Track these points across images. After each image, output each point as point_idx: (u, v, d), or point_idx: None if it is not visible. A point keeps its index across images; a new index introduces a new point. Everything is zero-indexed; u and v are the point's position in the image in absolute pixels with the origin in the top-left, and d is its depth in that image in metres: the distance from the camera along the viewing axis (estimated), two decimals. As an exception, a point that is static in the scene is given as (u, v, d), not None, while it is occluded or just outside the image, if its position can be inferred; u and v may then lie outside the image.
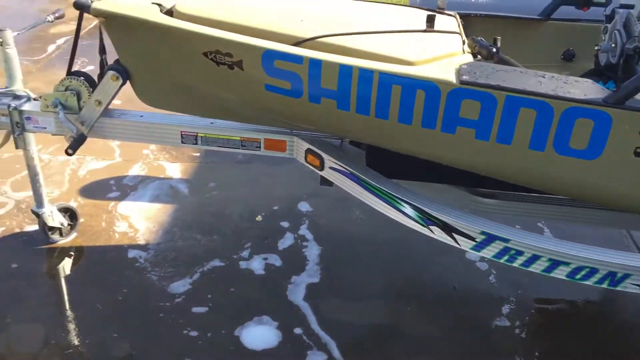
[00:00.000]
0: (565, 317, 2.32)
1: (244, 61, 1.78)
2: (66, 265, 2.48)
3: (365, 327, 2.23)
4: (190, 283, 2.41)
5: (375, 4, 2.08)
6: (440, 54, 1.70)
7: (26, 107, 2.20)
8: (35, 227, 2.68)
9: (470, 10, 2.34)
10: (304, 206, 2.94)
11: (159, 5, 1.95)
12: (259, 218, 2.84)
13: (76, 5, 1.92)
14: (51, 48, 4.92)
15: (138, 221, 2.78)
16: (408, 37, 1.79)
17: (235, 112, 2.01)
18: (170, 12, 1.93)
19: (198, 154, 3.39)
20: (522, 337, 2.21)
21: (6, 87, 2.29)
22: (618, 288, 1.68)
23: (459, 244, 1.77)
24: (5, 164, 3.19)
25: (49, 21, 2.28)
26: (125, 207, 2.89)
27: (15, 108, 2.17)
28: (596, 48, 2.06)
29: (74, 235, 2.65)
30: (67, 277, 2.42)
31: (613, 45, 2.00)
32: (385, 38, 1.77)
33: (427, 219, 1.78)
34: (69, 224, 2.62)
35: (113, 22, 1.92)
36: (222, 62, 1.81)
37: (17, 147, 2.29)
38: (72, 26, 5.32)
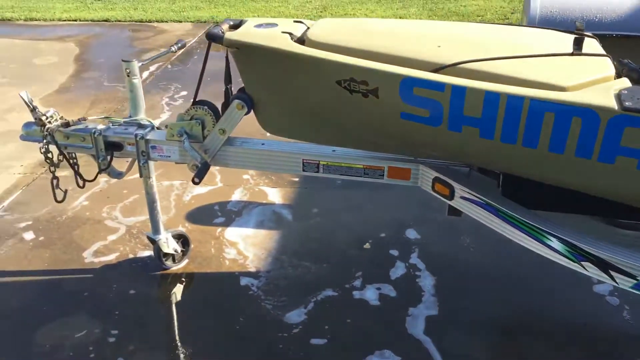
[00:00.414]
0: None
1: (380, 89, 1.73)
2: (182, 292, 2.49)
3: (494, 364, 2.12)
4: (306, 313, 2.37)
5: (510, 26, 2.00)
6: (593, 79, 1.60)
7: (151, 136, 2.23)
8: (148, 252, 2.73)
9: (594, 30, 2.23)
10: (411, 233, 2.86)
11: (290, 34, 1.93)
12: (367, 246, 2.78)
13: (208, 37, 1.94)
14: (145, 75, 5.07)
15: (246, 248, 2.77)
16: (554, 61, 1.69)
17: (362, 139, 1.97)
18: (301, 41, 1.91)
19: (297, 179, 3.37)
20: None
21: (129, 116, 2.33)
22: None
23: (616, 282, 1.64)
24: (113, 189, 3.27)
25: (172, 51, 2.31)
26: (232, 233, 2.89)
27: (142, 137, 2.20)
28: None
29: (185, 261, 2.67)
30: (183, 304, 2.43)
31: None
32: (529, 62, 1.69)
33: (579, 254, 1.66)
34: (181, 251, 2.64)
35: (244, 52, 1.91)
36: (356, 90, 1.77)
37: (141, 176, 2.32)
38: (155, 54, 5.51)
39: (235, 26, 2.08)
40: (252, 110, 2.09)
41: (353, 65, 1.74)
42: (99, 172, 2.28)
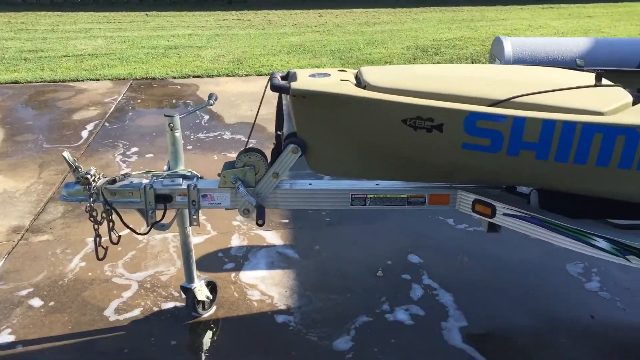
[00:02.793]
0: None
1: (445, 124, 1.99)
2: (224, 337, 2.54)
3: (529, 361, 2.40)
4: (351, 339, 2.52)
5: (529, 67, 2.36)
6: (621, 104, 1.98)
7: (201, 185, 2.31)
8: (172, 303, 2.74)
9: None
10: (414, 258, 3.12)
11: (348, 80, 2.15)
12: (379, 273, 2.99)
13: (275, 89, 2.09)
14: (85, 134, 4.97)
15: (268, 288, 2.87)
16: (583, 92, 2.06)
17: (416, 172, 2.20)
18: (362, 87, 2.12)
19: (287, 220, 3.52)
20: (673, 352, 2.44)
21: (168, 168, 2.40)
22: None
23: (657, 269, 2.00)
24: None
25: (210, 105, 2.42)
26: (248, 276, 2.97)
27: (195, 186, 2.28)
28: None
29: (214, 308, 2.71)
30: (232, 348, 2.47)
31: None
32: (564, 94, 2.04)
33: (624, 250, 2.00)
34: (212, 298, 2.69)
35: (308, 100, 2.09)
36: (421, 127, 2.02)
37: (191, 225, 2.38)
38: (93, 112, 5.44)
39: (283, 77, 2.26)
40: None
41: (421, 105, 1.99)
42: (152, 226, 2.31)
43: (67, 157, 2.23)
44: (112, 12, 11.42)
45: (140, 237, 3.29)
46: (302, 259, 3.14)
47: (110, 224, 2.35)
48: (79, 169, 2.24)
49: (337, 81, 2.14)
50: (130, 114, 5.51)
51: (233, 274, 2.99)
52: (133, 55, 7.72)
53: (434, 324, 2.61)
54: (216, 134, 4.92)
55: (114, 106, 5.72)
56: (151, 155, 4.49)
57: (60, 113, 5.54)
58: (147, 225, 2.33)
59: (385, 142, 2.12)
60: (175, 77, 6.70)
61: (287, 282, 2.92)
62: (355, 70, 2.32)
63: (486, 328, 2.59)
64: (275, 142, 2.29)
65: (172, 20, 10.52)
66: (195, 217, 2.35)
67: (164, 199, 2.30)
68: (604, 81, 2.15)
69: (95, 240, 2.33)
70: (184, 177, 2.36)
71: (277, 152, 2.28)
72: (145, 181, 2.32)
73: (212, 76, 6.74)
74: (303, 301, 2.77)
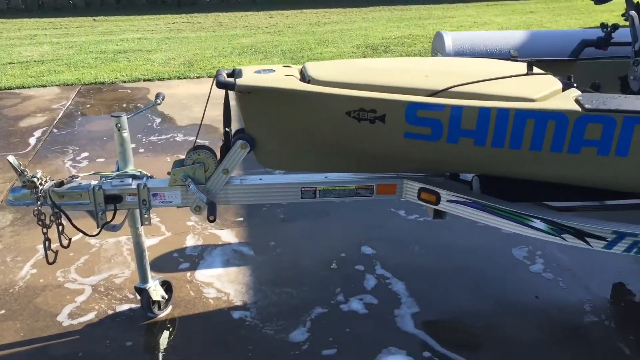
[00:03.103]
0: (637, 303, 2.72)
1: (387, 114, 2.06)
2: (181, 336, 2.55)
3: (482, 344, 2.49)
4: (307, 331, 2.57)
5: (466, 59, 2.45)
6: (550, 91, 2.08)
7: (152, 184, 2.32)
8: (127, 305, 2.74)
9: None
10: (367, 250, 3.19)
11: (293, 75, 2.19)
12: (334, 266, 3.04)
13: (221, 86, 2.12)
14: (33, 141, 4.88)
15: (224, 285, 2.89)
16: (516, 80, 2.16)
17: (363, 163, 2.27)
18: (306, 81, 2.17)
19: (242, 219, 3.54)
20: (612, 326, 2.56)
21: (117, 169, 2.40)
22: None
23: (591, 246, 2.10)
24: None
25: (157, 104, 2.43)
26: (203, 275, 2.99)
27: (145, 186, 2.29)
28: (632, 78, 2.55)
29: (170, 307, 2.72)
30: (190, 346, 2.49)
31: (646, 73, 2.49)
32: (497, 83, 2.13)
33: (559, 229, 2.11)
34: (167, 297, 2.69)
35: (254, 96, 2.13)
36: (364, 118, 2.08)
37: (142, 225, 2.38)
38: (40, 119, 5.34)
39: (229, 74, 2.29)
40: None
41: (364, 97, 2.05)
42: (102, 227, 2.31)
43: (12, 162, 2.21)
44: (59, 18, 11.19)
45: (93, 242, 3.27)
46: (258, 255, 3.17)
47: (60, 227, 2.34)
48: (25, 173, 2.23)
49: (281, 77, 2.18)
50: (79, 119, 5.43)
51: (189, 274, 3.00)
52: (81, 60, 7.60)
53: (387, 312, 2.68)
54: (168, 136, 4.90)
55: (62, 112, 5.62)
56: (102, 159, 4.45)
57: (6, 121, 5.42)
58: (98, 227, 2.33)
59: (330, 135, 2.17)
60: (125, 82, 6.63)
61: (243, 278, 2.95)
62: (300, 66, 2.37)
63: (437, 313, 2.67)
64: (223, 138, 2.32)
65: (120, 25, 10.38)
66: (146, 216, 2.35)
67: (113, 200, 2.30)
68: (535, 70, 2.26)
69: (44, 244, 2.31)
70: (134, 177, 2.36)
71: (226, 148, 2.31)
72: (93, 182, 2.32)
73: (163, 79, 6.70)
74: (259, 296, 2.81)
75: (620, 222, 2.10)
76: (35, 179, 2.22)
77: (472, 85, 2.09)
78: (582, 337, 2.50)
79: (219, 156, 2.34)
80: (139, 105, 5.79)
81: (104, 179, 2.34)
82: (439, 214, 2.41)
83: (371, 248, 3.20)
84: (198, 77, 6.77)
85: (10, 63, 7.50)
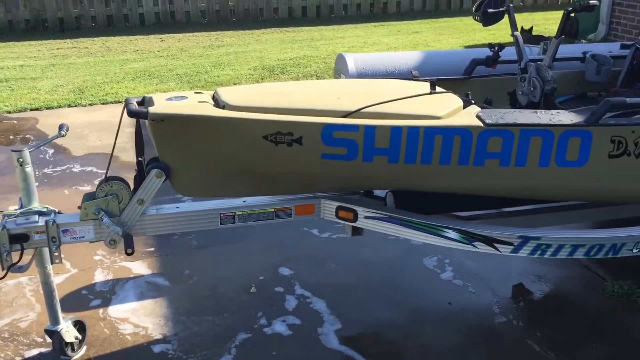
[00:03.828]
0: (540, 301, 2.92)
1: (304, 137, 2.10)
2: (100, 376, 2.44)
3: (404, 353, 2.57)
4: (233, 358, 2.54)
5: (372, 80, 2.55)
6: (453, 109, 2.22)
7: (61, 219, 2.21)
8: (36, 350, 2.59)
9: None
10: (285, 270, 3.20)
11: (206, 102, 2.18)
12: (253, 289, 3.03)
13: (132, 114, 2.07)
14: None
15: (141, 319, 2.80)
16: (421, 99, 2.28)
17: (281, 185, 2.29)
18: (221, 107, 2.17)
19: (152, 249, 3.44)
20: (520, 325, 2.74)
21: (21, 206, 2.27)
22: (618, 255, 2.29)
23: (499, 251, 2.24)
24: (-46, 301, 2.94)
25: (62, 135, 2.33)
26: (117, 310, 2.87)
27: (54, 222, 2.18)
28: (520, 93, 2.77)
29: (84, 348, 2.59)
30: (109, 386, 2.38)
31: (532, 88, 2.72)
32: (405, 103, 2.24)
33: (470, 237, 2.23)
34: (80, 338, 2.56)
35: (167, 124, 2.09)
36: (282, 142, 2.11)
37: (52, 263, 2.26)
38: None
39: (139, 103, 2.24)
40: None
41: (280, 120, 2.08)
42: (9, 269, 2.16)
43: None
44: None
45: (-10, 285, 3.04)
46: (173, 285, 3.09)
47: (-41, 271, 2.18)
48: None
49: (195, 103, 2.17)
50: (-16, 155, 5.05)
51: (101, 310, 2.87)
52: (-43, 90, 7.06)
53: (311, 331, 2.71)
54: (64, 167, 4.67)
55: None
56: (-8, 196, 4.16)
57: None
58: (3, 269, 2.19)
59: (248, 159, 2.18)
60: (9, 112, 6.24)
61: (160, 310, 2.87)
62: (212, 92, 2.37)
63: (359, 327, 2.74)
64: (137, 168, 2.26)
65: (-2, 52, 9.76)
66: (56, 254, 2.24)
67: (19, 239, 2.17)
68: (438, 89, 2.40)
69: (-59, 293, 2.13)
70: (40, 213, 2.25)
71: (140, 178, 2.26)
72: (-5, 222, 2.17)
73: (52, 108, 6.37)
74: (179, 327, 2.74)
75: (524, 227, 2.26)
76: None
77: (382, 105, 2.18)
78: (495, 338, 2.66)
79: (132, 186, 2.27)
80: (28, 136, 5.48)
81: (6, 217, 2.20)
82: (357, 231, 2.48)
83: (288, 269, 3.22)
84: (90, 105, 6.50)
85: None
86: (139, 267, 3.25)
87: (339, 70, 3.30)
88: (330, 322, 2.76)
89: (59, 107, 6.39)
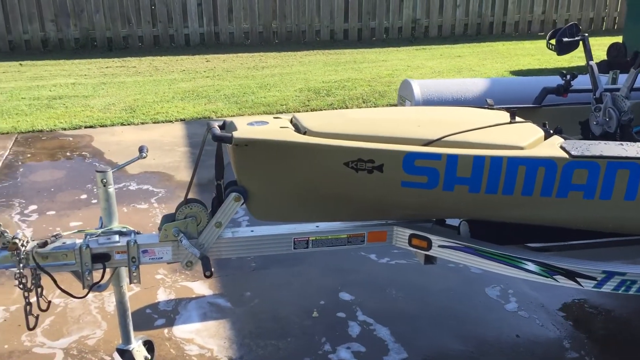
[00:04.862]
0: (612, 336, 2.84)
1: (385, 164, 2.10)
2: (170, 397, 2.44)
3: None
4: (300, 384, 2.52)
5: (449, 107, 2.54)
6: (535, 139, 2.20)
7: (141, 240, 2.25)
8: (106, 369, 2.60)
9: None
10: (345, 296, 3.19)
11: (288, 127, 2.21)
12: (315, 314, 3.02)
13: (217, 139, 2.10)
14: (-27, 194, 4.60)
15: (205, 341, 2.81)
16: (501, 129, 2.26)
17: (358, 211, 2.29)
18: (302, 133, 2.19)
19: (212, 269, 3.45)
20: None
21: (101, 226, 2.31)
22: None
23: (582, 286, 2.19)
24: (19, 316, 2.99)
25: (143, 157, 2.37)
26: (182, 330, 2.89)
27: (135, 242, 2.21)
28: (594, 123, 2.73)
29: (152, 368, 2.61)
30: (180, 407, 2.39)
31: (607, 119, 2.67)
32: (486, 132, 2.23)
33: (552, 271, 2.19)
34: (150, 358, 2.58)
35: (250, 148, 2.12)
36: (362, 169, 2.12)
37: (131, 282, 2.29)
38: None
39: (220, 127, 2.28)
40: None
41: (363, 147, 2.09)
42: (91, 288, 2.20)
43: (-10, 222, 2.08)
44: (-19, 63, 10.71)
45: (56, 301, 3.09)
46: (235, 307, 3.10)
47: (39, 289, 2.22)
48: (5, 234, 2.11)
49: (277, 128, 2.19)
50: (21, 169, 5.18)
51: (166, 330, 2.89)
52: (13, 107, 7.28)
53: (376, 359, 2.68)
54: (121, 185, 4.75)
55: (0, 163, 5.35)
56: (53, 212, 4.25)
57: (-60, 173, 5.09)
58: (84, 288, 2.22)
59: (327, 185, 2.19)
60: (65, 129, 6.40)
61: (224, 332, 2.87)
62: (289, 117, 2.39)
63: (425, 357, 2.70)
64: (216, 191, 2.29)
65: (50, 70, 10.04)
66: (135, 274, 2.27)
67: (101, 258, 2.21)
68: (517, 118, 2.38)
69: (25, 309, 2.18)
70: (120, 233, 2.28)
71: (218, 201, 2.28)
72: (79, 241, 2.22)
73: (105, 126, 6.51)
74: (243, 350, 2.74)
75: (609, 261, 2.21)
76: (17, 240, 2.11)
77: (462, 134, 2.17)
78: (567, 373, 2.60)
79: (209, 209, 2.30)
80: (84, 153, 5.60)
81: (89, 237, 2.24)
82: (429, 259, 2.45)
83: (349, 294, 3.20)
84: (142, 123, 6.63)
85: None
86: (200, 288, 3.27)
87: (404, 96, 3.30)
88: (396, 351, 2.73)
89: (112, 125, 6.53)
